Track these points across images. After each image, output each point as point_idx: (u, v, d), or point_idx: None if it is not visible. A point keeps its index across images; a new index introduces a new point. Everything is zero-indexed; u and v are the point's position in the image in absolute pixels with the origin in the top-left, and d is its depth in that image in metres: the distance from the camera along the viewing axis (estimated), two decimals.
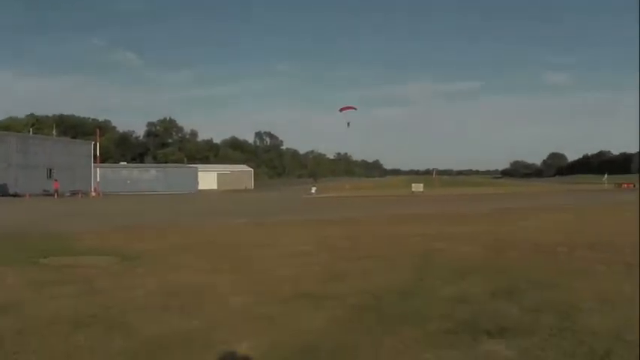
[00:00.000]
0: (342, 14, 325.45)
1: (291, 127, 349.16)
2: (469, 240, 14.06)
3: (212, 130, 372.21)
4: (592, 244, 12.76)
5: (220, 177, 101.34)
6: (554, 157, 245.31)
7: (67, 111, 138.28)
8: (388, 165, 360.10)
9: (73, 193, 60.63)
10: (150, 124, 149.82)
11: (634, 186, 70.25)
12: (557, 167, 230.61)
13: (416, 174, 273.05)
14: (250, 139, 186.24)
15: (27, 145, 62.65)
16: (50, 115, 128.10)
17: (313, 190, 67.77)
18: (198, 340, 5.56)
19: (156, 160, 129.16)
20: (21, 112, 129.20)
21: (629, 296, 7.18)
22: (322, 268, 10.02)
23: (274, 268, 10.07)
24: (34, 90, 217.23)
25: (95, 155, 72.56)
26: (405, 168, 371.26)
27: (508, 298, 7.20)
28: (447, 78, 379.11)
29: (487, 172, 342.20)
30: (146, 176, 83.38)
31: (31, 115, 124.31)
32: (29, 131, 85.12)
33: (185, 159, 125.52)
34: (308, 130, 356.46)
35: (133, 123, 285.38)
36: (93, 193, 65.04)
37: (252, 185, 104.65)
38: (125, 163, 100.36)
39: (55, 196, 55.62)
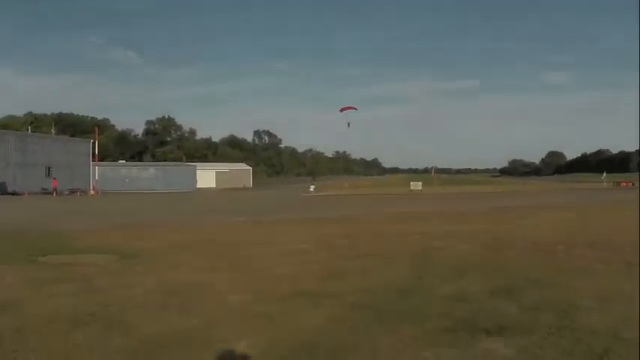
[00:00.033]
0: (340, 13, 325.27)
1: (290, 125, 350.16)
2: (468, 238, 14.06)
3: (211, 128, 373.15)
4: (591, 242, 12.77)
5: (219, 175, 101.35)
6: (553, 155, 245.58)
7: (65, 109, 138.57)
8: (387, 163, 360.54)
9: (72, 192, 60.59)
10: (149, 122, 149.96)
11: (632, 184, 70.39)
12: (555, 166, 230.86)
13: (415, 172, 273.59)
14: (249, 137, 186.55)
15: (25, 144, 62.63)
16: (49, 113, 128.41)
17: (312, 188, 67.81)
18: (197, 339, 5.55)
19: (154, 158, 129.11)
20: (19, 111, 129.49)
21: (628, 295, 7.18)
22: (321, 267, 10.02)
23: (273, 267, 10.07)
24: (32, 88, 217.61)
25: (94, 154, 72.42)
26: (404, 166, 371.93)
27: (507, 297, 7.20)
28: (446, 76, 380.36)
29: (486, 171, 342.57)
30: (145, 175, 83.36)
31: (30, 113, 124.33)
32: (28, 130, 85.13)
33: (184, 157, 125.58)
34: (307, 129, 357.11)
35: (132, 121, 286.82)
36: (91, 192, 64.97)
37: (250, 183, 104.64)
38: (124, 161, 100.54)
39: (54, 194, 55.61)
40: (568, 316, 6.14)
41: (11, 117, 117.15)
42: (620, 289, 7.61)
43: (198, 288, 8.17)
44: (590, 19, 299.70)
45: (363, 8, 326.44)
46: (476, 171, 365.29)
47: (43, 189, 58.15)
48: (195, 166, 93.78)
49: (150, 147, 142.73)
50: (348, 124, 46.19)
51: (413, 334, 5.59)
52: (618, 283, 7.97)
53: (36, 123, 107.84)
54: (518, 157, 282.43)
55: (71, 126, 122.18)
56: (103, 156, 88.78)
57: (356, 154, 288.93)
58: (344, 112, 46.19)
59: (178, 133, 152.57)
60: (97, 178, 70.81)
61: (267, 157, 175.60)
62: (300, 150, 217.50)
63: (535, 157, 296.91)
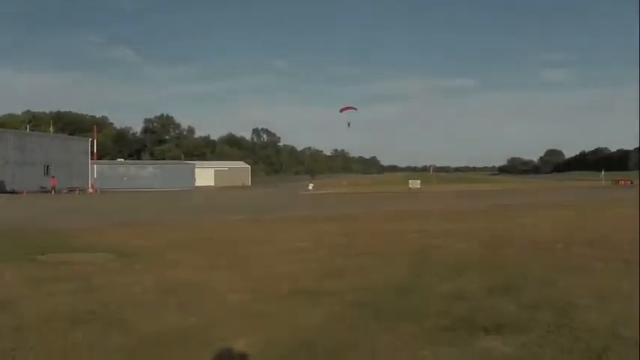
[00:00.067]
0: (339, 11, 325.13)
1: (289, 123, 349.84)
2: (466, 237, 14.07)
3: (209, 126, 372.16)
4: (590, 241, 12.78)
5: (217, 174, 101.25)
6: (552, 153, 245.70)
7: (64, 108, 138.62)
8: (385, 162, 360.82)
9: (71, 190, 60.61)
10: (147, 120, 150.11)
11: (631, 183, 70.46)
12: (554, 164, 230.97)
13: (413, 171, 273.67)
14: (247, 135, 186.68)
15: (24, 142, 62.60)
16: (47, 111, 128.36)
17: (310, 186, 67.87)
18: (195, 337, 5.55)
19: (153, 156, 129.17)
20: (18, 109, 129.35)
21: (627, 293, 7.19)
22: (320, 265, 10.02)
23: (272, 265, 10.07)
24: (31, 86, 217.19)
25: (92, 152, 72.45)
26: (403, 165, 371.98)
27: (505, 295, 7.20)
28: (445, 74, 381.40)
29: (484, 169, 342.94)
30: (143, 173, 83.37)
31: (28, 111, 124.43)
32: (26, 128, 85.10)
33: (182, 156, 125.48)
34: (305, 127, 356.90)
35: (131, 120, 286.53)
36: (90, 190, 65.00)
37: (249, 182, 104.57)
38: (122, 159, 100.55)
39: (53, 192, 55.66)
40: (567, 315, 6.14)
41: (10, 115, 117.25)
42: (618, 287, 7.62)
43: (196, 286, 8.17)
44: (589, 16, 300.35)
45: (362, 6, 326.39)
46: (474, 169, 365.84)
47: (41, 187, 58.15)
48: (193, 164, 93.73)
49: (148, 145, 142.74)
50: (349, 125, 46.33)
51: (412, 333, 5.60)
52: (617, 282, 7.98)
53: (34, 121, 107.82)
54: (516, 156, 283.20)
55: (70, 124, 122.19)
56: (102, 154, 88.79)
57: (354, 152, 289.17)
58: (344, 112, 46.24)
59: (177, 131, 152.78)
60: (95, 176, 70.79)
61: (265, 155, 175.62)
62: (299, 148, 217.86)
63: (534, 155, 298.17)
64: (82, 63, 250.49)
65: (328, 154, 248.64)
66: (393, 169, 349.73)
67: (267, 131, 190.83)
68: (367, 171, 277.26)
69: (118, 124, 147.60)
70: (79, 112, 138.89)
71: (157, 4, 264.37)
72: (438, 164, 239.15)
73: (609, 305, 6.59)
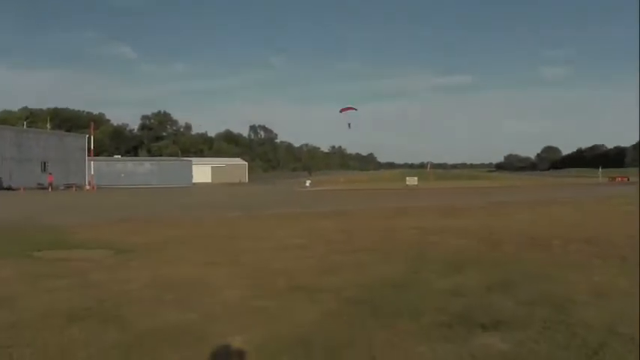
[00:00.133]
0: (336, 8, 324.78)
1: (286, 120, 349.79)
2: (464, 233, 14.07)
3: (206, 123, 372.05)
4: (587, 237, 12.79)
5: (215, 170, 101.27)
6: (549, 150, 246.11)
7: (61, 104, 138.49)
8: (383, 158, 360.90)
9: (68, 187, 60.53)
10: (144, 117, 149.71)
11: (628, 179, 70.65)
12: (551, 161, 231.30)
13: (410, 167, 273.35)
14: (245, 132, 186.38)
15: (21, 139, 62.49)
16: (44, 108, 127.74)
17: (308, 183, 67.94)
18: (193, 334, 5.54)
19: (150, 153, 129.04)
20: (15, 106, 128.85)
21: (624, 290, 7.20)
22: (317, 261, 10.02)
23: (269, 261, 10.07)
24: (28, 83, 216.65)
25: (89, 149, 72.21)
26: (400, 161, 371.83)
27: (503, 292, 7.20)
28: (443, 72, 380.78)
29: (482, 166, 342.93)
30: (140, 169, 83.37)
31: (26, 108, 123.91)
32: (23, 125, 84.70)
33: (179, 152, 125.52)
34: (302, 124, 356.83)
35: (128, 116, 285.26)
36: (87, 187, 64.92)
37: (246, 178, 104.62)
38: (119, 156, 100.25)
39: (50, 189, 55.52)
40: (564, 311, 6.15)
41: (7, 112, 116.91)
42: (616, 284, 7.63)
43: (193, 283, 8.16)
44: (586, 13, 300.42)
45: (360, 3, 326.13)
46: (471, 166, 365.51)
47: (38, 184, 58.08)
48: (191, 161, 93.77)
49: (145, 142, 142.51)
50: (349, 125, 46.24)
51: (409, 329, 5.59)
52: (614, 278, 7.99)
53: (31, 118, 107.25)
54: (514, 153, 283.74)
55: (67, 121, 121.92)
56: (99, 151, 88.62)
57: (352, 149, 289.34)
58: (344, 112, 46.18)
59: (174, 128, 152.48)
60: (92, 173, 70.64)
61: (262, 152, 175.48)
62: (296, 145, 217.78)
63: (531, 152, 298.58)
64: (80, 60, 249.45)
65: (325, 150, 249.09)
66: (391, 165, 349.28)
67: (264, 128, 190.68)
68: (364, 168, 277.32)
69: (115, 120, 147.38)
70: (76, 108, 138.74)
71: (155, 1, 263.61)
72: (436, 161, 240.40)
73: (606, 302, 6.60)
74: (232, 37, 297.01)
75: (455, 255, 10.54)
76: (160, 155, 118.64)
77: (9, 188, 53.30)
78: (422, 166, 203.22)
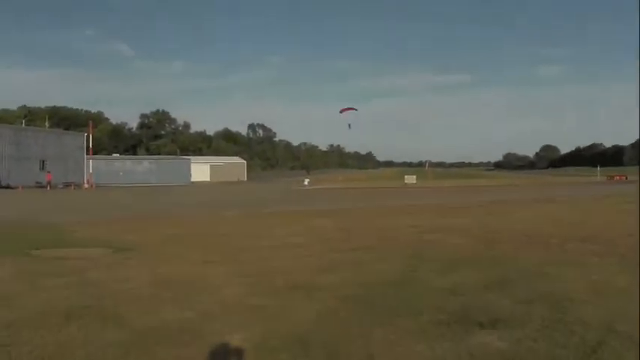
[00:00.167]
0: (333, 6, 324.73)
1: (285, 119, 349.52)
2: (462, 232, 14.08)
3: (205, 121, 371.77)
4: (585, 236, 12.80)
5: (213, 169, 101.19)
6: (547, 149, 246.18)
7: (59, 103, 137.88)
8: (381, 157, 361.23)
9: (66, 185, 60.45)
10: (143, 115, 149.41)
11: (626, 178, 70.69)
12: (549, 160, 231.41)
13: (409, 166, 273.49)
14: (243, 130, 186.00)
15: (19, 137, 62.34)
16: (43, 106, 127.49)
17: (306, 181, 67.92)
18: (190, 332, 5.54)
19: (149, 151, 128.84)
20: (13, 104, 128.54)
21: (622, 288, 7.21)
22: (315, 260, 10.02)
23: (267, 260, 10.07)
24: (26, 82, 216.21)
25: (88, 147, 72.22)
26: (398, 160, 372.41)
27: (500, 290, 7.21)
28: (441, 70, 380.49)
29: (480, 165, 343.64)
30: (139, 168, 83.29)
31: (24, 106, 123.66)
32: (22, 123, 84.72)
33: (178, 151, 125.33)
34: (301, 122, 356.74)
35: (126, 115, 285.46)
36: (86, 185, 64.86)
37: (245, 177, 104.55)
38: (118, 154, 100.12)
39: (48, 187, 55.45)
40: (562, 309, 6.15)
41: (5, 110, 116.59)
42: (613, 282, 7.64)
43: (192, 281, 8.16)
44: (584, 12, 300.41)
45: (358, 1, 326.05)
46: (470, 165, 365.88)
47: (37, 182, 57.96)
48: (189, 159, 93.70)
49: (144, 140, 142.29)
50: (349, 126, 46.26)
51: (407, 328, 5.60)
52: (612, 277, 8.00)
53: (30, 116, 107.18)
54: (512, 151, 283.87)
55: (65, 119, 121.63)
56: (97, 149, 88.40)
57: (350, 147, 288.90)
58: (344, 113, 46.17)
59: (172, 126, 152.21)
60: (91, 171, 70.65)
61: (261, 150, 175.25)
62: (295, 143, 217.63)
63: (529, 150, 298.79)
64: (78, 58, 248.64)
65: (324, 149, 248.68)
66: (389, 164, 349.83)
67: (262, 126, 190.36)
68: (363, 166, 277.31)
69: (114, 119, 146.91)
70: (75, 107, 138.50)
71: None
72: (434, 160, 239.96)
73: (604, 300, 6.60)
74: (231, 35, 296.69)
75: (453, 253, 10.54)
76: (159, 154, 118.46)
77: (7, 187, 53.21)
78: (420, 164, 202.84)
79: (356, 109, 48.09)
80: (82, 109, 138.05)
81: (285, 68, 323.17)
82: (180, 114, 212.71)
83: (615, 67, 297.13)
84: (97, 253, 11.10)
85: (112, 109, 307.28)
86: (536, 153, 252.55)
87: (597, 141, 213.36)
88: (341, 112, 46.55)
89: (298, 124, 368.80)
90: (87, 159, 71.56)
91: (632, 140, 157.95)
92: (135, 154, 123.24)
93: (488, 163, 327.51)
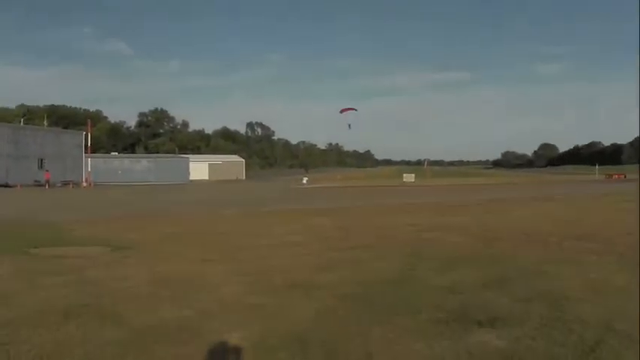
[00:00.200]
0: (333, 5, 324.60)
1: (283, 117, 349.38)
2: (460, 230, 14.09)
3: (203, 120, 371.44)
4: (583, 234, 12.82)
5: (212, 167, 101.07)
6: (545, 147, 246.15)
7: (58, 101, 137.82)
8: (379, 155, 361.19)
9: (65, 184, 60.41)
10: (141, 114, 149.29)
11: (625, 177, 70.76)
12: (548, 158, 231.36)
13: (407, 164, 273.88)
14: (242, 129, 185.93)
15: (18, 136, 62.24)
16: (41, 105, 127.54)
17: (305, 180, 67.83)
18: (189, 330, 5.54)
19: (147, 150, 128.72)
20: (12, 103, 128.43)
21: (620, 286, 7.22)
22: (313, 258, 10.02)
23: (265, 258, 10.07)
24: (25, 80, 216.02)
25: (86, 145, 72.08)
26: (397, 158, 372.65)
27: (499, 288, 7.22)
28: (439, 68, 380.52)
29: (478, 163, 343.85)
30: (138, 166, 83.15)
31: (22, 105, 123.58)
32: (20, 122, 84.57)
33: (176, 149, 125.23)
34: (299, 121, 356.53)
35: (125, 113, 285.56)
36: (84, 184, 64.76)
37: (243, 175, 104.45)
38: (116, 153, 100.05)
39: (47, 186, 55.41)
40: (560, 308, 6.16)
41: (4, 109, 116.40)
42: (612, 280, 7.65)
43: (190, 279, 8.16)
44: (583, 10, 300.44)
45: (357, 1, 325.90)
46: (468, 163, 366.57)
47: (35, 181, 57.91)
48: (188, 158, 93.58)
49: (142, 139, 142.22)
50: (349, 126, 46.29)
51: (405, 326, 5.60)
52: (610, 275, 8.01)
53: (28, 115, 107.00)
54: (510, 150, 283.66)
55: (64, 118, 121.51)
56: (96, 148, 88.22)
57: (349, 146, 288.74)
58: (344, 113, 46.18)
59: (171, 125, 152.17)
60: (89, 169, 70.52)
61: (260, 149, 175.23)
62: (293, 142, 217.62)
63: (528, 149, 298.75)
64: (77, 57, 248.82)
65: (322, 147, 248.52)
66: (388, 162, 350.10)
67: (261, 125, 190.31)
68: (361, 165, 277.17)
69: (112, 117, 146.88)
70: (73, 105, 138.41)
71: None
72: (432, 158, 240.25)
73: (603, 298, 6.61)
74: (230, 33, 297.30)
75: (451, 252, 10.55)
76: (157, 152, 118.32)
77: (6, 185, 53.14)
78: (419, 163, 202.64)
79: (356, 110, 48.13)
80: (80, 108, 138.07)
81: (284, 66, 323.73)
82: (178, 112, 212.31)
83: (614, 66, 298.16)
84: (95, 252, 11.09)
85: (111, 107, 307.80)
86: (535, 151, 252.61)
87: (596, 139, 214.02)
88: (341, 112, 46.60)
89: (297, 122, 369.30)
90: (85, 157, 71.41)
91: (631, 139, 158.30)
92: (133, 152, 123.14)
93: (486, 162, 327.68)
